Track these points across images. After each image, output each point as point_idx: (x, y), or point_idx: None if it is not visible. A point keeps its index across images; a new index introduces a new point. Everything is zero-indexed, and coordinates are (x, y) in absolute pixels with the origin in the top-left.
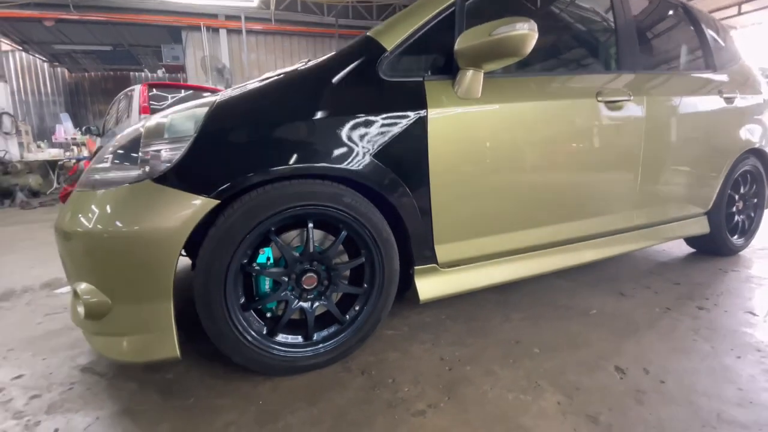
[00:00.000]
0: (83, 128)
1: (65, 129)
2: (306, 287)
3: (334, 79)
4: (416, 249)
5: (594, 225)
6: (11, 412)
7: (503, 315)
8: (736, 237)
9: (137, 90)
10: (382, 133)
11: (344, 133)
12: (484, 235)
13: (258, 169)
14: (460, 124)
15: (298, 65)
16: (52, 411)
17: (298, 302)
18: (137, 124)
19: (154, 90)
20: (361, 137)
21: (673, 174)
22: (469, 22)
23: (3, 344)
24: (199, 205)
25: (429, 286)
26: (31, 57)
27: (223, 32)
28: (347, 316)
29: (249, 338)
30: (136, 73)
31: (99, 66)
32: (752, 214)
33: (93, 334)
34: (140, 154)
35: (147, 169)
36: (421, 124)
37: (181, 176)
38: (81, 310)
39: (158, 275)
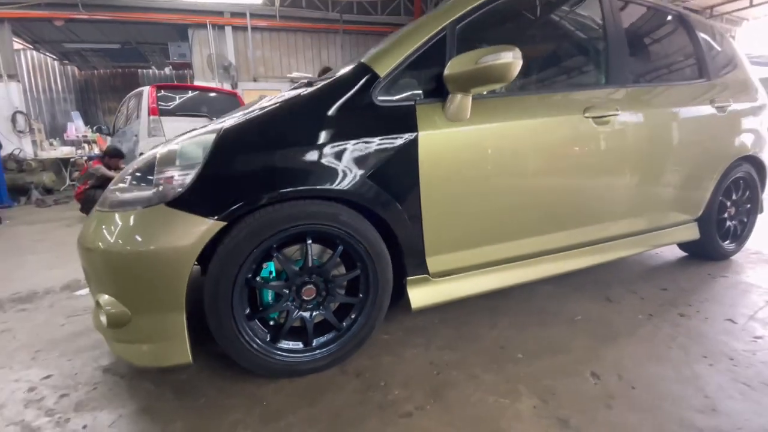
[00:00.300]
0: (94, 127)
1: (76, 127)
2: (305, 298)
3: (331, 106)
4: (409, 261)
5: (582, 234)
6: (43, 410)
7: (492, 320)
8: (727, 242)
9: (146, 91)
10: (376, 155)
11: (340, 156)
12: (474, 247)
13: (261, 193)
14: (450, 145)
15: (299, 90)
16: (79, 409)
17: (298, 312)
18: (153, 150)
19: (162, 91)
20: (357, 160)
21: (662, 184)
22: (461, 44)
23: (31, 345)
24: (207, 227)
25: (421, 295)
26: (42, 55)
27: (228, 29)
28: (344, 324)
29: (254, 345)
30: (144, 71)
31: (108, 63)
32: (745, 220)
33: (114, 341)
34: (155, 178)
35: (161, 189)
36: (413, 146)
37: (191, 201)
38: (103, 319)
39: (172, 290)
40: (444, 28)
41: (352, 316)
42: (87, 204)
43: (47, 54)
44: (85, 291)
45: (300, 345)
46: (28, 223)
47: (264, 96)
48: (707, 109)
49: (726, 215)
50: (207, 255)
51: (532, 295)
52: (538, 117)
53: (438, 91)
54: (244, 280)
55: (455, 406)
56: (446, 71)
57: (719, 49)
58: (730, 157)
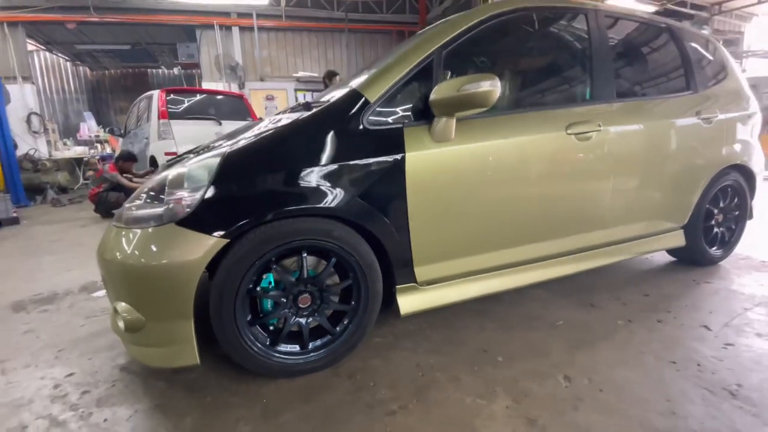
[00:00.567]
0: (107, 129)
1: (89, 127)
2: (302, 306)
3: (325, 131)
4: (398, 271)
5: (565, 244)
6: (68, 405)
7: (479, 325)
8: (714, 248)
9: (156, 95)
10: (366, 175)
11: (333, 177)
12: (459, 257)
13: (261, 213)
14: (435, 164)
15: (297, 114)
16: (100, 404)
17: (295, 318)
18: (165, 172)
19: (171, 95)
20: (349, 180)
21: (645, 195)
22: (448, 68)
23: (54, 345)
24: (212, 243)
25: (409, 302)
26: (54, 56)
27: (235, 30)
28: (337, 329)
29: (255, 348)
30: (154, 71)
31: (118, 64)
32: (733, 226)
33: (130, 344)
34: (166, 198)
35: (171, 208)
36: (400, 166)
37: (197, 220)
38: (121, 324)
39: (181, 299)
40: (431, 54)
41: (345, 322)
42: (100, 205)
43: (60, 55)
44: (102, 293)
45: (297, 348)
46: (44, 223)
47: (263, 118)
48: (692, 121)
49: (713, 222)
50: (215, 262)
51: (522, 300)
52: (520, 135)
53: (425, 114)
54: (245, 290)
55: (435, 405)
56: (431, 97)
57: (710, 58)
58: (716, 167)
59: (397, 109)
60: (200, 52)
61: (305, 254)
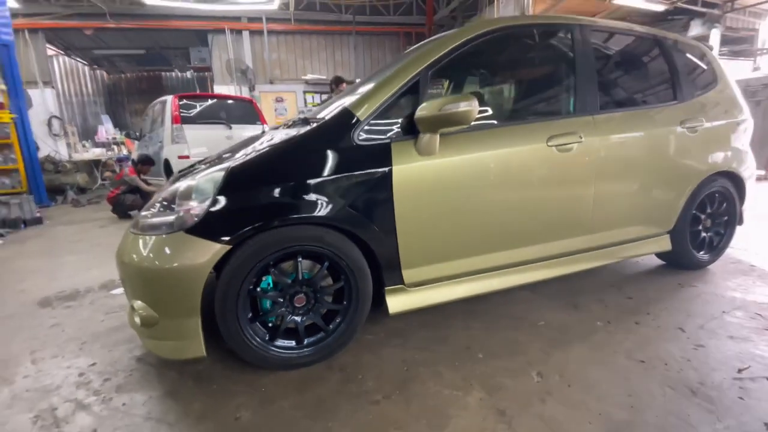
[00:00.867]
0: (124, 132)
1: (106, 129)
2: (297, 305)
3: (319, 146)
4: (386, 274)
5: (549, 248)
6: (92, 391)
7: (465, 324)
8: (702, 252)
9: (169, 100)
10: (357, 186)
11: (327, 189)
12: (444, 261)
13: (260, 222)
14: (420, 176)
15: (296, 129)
16: (120, 390)
17: (291, 316)
18: (176, 184)
19: (184, 100)
20: (340, 191)
21: (629, 202)
22: (435, 85)
23: (78, 338)
24: (217, 249)
25: (397, 302)
26: (73, 61)
27: (246, 34)
28: (330, 327)
29: (255, 343)
30: (168, 74)
31: (134, 68)
32: (722, 231)
33: (146, 338)
34: (176, 208)
35: (181, 216)
36: (388, 178)
37: (203, 229)
38: (137, 320)
39: (189, 298)
40: (417, 74)
41: (338, 320)
42: (118, 206)
43: (78, 60)
44: (120, 290)
45: (293, 343)
46: (65, 224)
47: (265, 132)
48: (676, 131)
49: (700, 227)
50: (222, 263)
51: (508, 301)
52: (501, 148)
53: (411, 129)
54: (246, 290)
55: (416, 396)
56: (416, 116)
57: (700, 68)
58: (701, 174)
59: (386, 126)
60: (212, 56)
61: (300, 258)
